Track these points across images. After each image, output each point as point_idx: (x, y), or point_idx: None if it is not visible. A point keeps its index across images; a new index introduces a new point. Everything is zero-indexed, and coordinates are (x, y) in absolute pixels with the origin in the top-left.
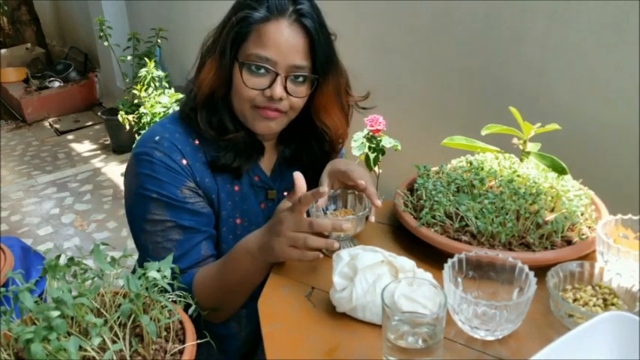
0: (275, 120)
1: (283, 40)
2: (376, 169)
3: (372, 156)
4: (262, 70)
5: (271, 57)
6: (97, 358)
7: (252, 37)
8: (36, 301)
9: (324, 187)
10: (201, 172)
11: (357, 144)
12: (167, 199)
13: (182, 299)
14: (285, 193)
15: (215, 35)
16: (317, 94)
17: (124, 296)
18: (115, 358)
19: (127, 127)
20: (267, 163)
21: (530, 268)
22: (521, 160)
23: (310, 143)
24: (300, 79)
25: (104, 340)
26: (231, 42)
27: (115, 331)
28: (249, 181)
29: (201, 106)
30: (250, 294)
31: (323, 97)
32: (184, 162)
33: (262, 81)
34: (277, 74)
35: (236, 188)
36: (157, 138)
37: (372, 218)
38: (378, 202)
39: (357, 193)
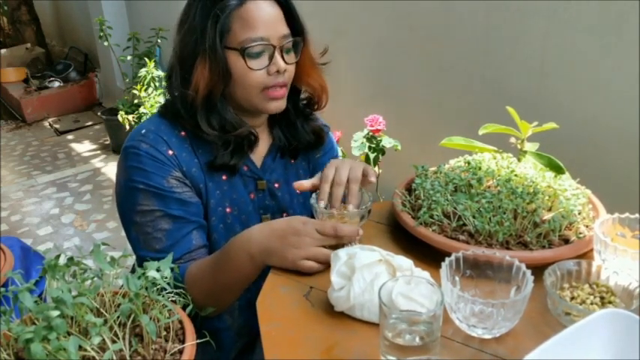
0: (283, 97)
1: (266, 15)
2: (376, 169)
3: (372, 156)
4: (261, 50)
5: (264, 35)
6: (97, 357)
7: (236, 24)
8: (36, 301)
9: (361, 230)
10: (187, 162)
11: (357, 144)
12: (154, 189)
13: (181, 299)
14: (277, 185)
15: (192, 38)
16: (299, 59)
17: (124, 296)
18: (114, 357)
19: (127, 127)
20: (257, 153)
21: (528, 267)
22: (519, 159)
23: (295, 123)
24: (290, 46)
25: (104, 339)
26: (219, 35)
27: (115, 331)
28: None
29: (200, 109)
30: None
31: (305, 60)
32: (170, 152)
33: (263, 60)
34: (274, 47)
35: (224, 177)
36: (143, 131)
37: (373, 178)
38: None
39: (361, 189)
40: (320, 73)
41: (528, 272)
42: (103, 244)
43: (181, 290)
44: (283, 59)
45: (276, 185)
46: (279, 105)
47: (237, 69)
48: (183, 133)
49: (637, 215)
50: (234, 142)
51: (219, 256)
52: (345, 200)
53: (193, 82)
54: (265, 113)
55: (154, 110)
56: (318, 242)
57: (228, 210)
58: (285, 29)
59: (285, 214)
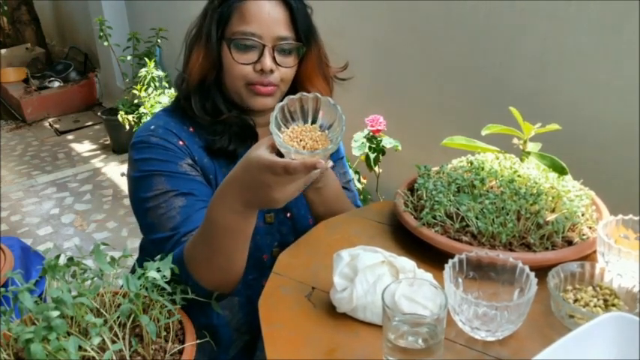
0: (270, 96)
1: (265, 14)
2: (376, 169)
3: (372, 156)
4: (249, 45)
5: (256, 31)
6: (97, 358)
7: (235, 17)
8: (36, 301)
9: (323, 163)
10: (199, 152)
11: (357, 144)
12: (167, 173)
13: (181, 288)
14: None
15: (199, 22)
16: (301, 64)
17: (124, 296)
18: (114, 358)
19: (127, 127)
20: None
21: (531, 269)
22: (522, 160)
23: None
24: (287, 48)
25: (104, 340)
26: (216, 24)
27: (115, 331)
28: None
29: (194, 93)
30: (245, 261)
31: (307, 67)
32: (181, 143)
33: (251, 56)
34: (264, 46)
35: None
36: (152, 127)
37: (330, 163)
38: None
39: (311, 97)
40: (326, 86)
41: (532, 274)
42: (103, 244)
43: (182, 287)
44: (275, 60)
45: None
46: (265, 102)
47: (226, 59)
48: (191, 129)
49: None
50: (228, 129)
51: (204, 226)
52: (306, 119)
53: (189, 66)
54: (252, 109)
55: (154, 110)
56: (290, 179)
57: None
58: (283, 31)
59: (289, 214)
